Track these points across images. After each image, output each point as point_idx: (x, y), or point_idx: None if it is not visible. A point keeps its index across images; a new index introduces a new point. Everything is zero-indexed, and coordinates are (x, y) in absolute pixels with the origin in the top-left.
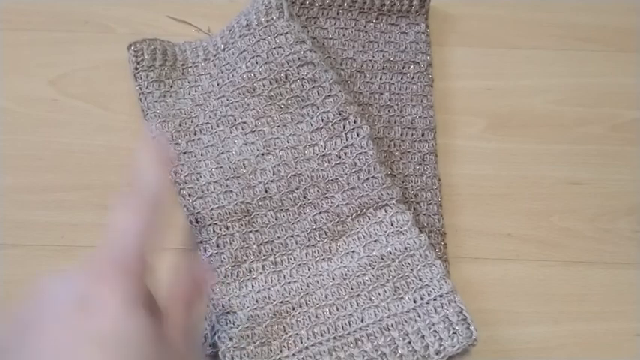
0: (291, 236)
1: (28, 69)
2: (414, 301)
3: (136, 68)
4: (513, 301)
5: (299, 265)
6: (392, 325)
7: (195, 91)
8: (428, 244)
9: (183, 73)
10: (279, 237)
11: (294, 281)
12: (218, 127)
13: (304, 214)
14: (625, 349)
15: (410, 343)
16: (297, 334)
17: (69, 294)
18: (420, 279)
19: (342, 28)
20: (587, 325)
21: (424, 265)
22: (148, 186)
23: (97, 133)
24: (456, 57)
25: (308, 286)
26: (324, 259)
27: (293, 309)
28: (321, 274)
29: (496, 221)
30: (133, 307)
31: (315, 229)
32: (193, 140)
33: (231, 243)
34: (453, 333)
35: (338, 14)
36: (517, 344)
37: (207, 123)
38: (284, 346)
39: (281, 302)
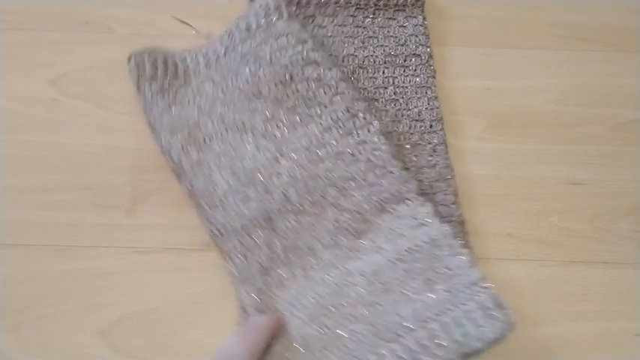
0: (316, 238)
1: (28, 69)
2: (447, 291)
3: (138, 80)
4: (513, 301)
5: (327, 266)
6: (430, 318)
7: (200, 99)
8: (452, 234)
9: (185, 82)
10: (303, 240)
11: (326, 283)
12: (227, 133)
13: (326, 214)
14: (625, 349)
15: (450, 333)
16: (336, 335)
17: None
18: (450, 269)
19: (340, 25)
20: (587, 325)
21: (451, 255)
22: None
23: (97, 133)
24: (456, 57)
25: (340, 286)
26: (351, 258)
27: (329, 311)
28: (351, 274)
29: (496, 221)
30: None
31: (338, 228)
32: (204, 150)
33: (257, 251)
34: (492, 319)
35: (335, 11)
36: (517, 344)
37: (217, 130)
38: (324, 348)
39: (314, 306)
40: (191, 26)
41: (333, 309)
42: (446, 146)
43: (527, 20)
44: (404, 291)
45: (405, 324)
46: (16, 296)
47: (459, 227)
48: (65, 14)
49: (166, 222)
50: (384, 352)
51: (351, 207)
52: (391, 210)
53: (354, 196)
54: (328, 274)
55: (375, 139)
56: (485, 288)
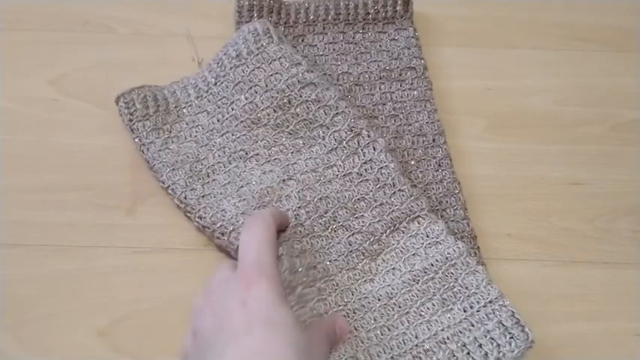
0: (330, 261)
1: (28, 69)
2: (464, 311)
3: (131, 120)
4: (513, 301)
5: (342, 290)
6: (448, 338)
7: (197, 132)
8: (467, 251)
9: (179, 116)
10: (319, 262)
11: (341, 309)
12: (230, 164)
13: (337, 237)
14: (625, 349)
15: (469, 354)
16: (352, 357)
17: (233, 299)
18: (466, 287)
19: (331, 43)
20: (587, 325)
21: (467, 273)
22: (264, 212)
23: (97, 133)
24: (456, 57)
25: (355, 312)
26: (366, 280)
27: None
28: (366, 297)
29: (496, 221)
30: (281, 299)
31: (351, 251)
32: (208, 182)
33: (280, 266)
34: (510, 338)
35: (324, 29)
36: None
37: (219, 162)
38: None
39: None
40: (194, 50)
41: (348, 333)
42: (450, 160)
43: (527, 20)
44: (420, 312)
45: (422, 346)
46: (16, 296)
47: (472, 243)
48: (65, 14)
49: (166, 222)
50: None
51: (363, 228)
52: (403, 229)
53: (364, 216)
54: (343, 299)
55: (382, 158)
56: (504, 306)
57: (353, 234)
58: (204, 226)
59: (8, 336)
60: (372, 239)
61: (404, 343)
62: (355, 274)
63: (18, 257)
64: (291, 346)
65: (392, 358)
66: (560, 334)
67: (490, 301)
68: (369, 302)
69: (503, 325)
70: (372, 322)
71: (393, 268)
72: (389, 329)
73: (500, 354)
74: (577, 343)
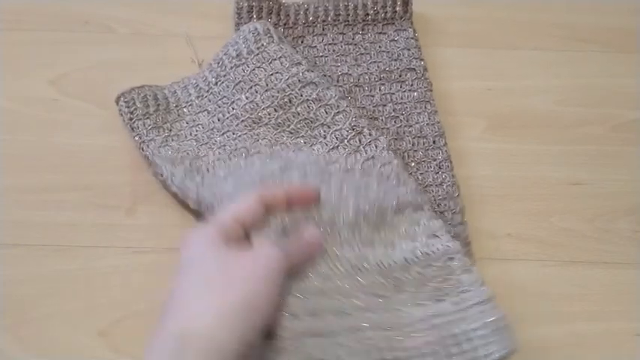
0: (336, 215)
1: (28, 69)
2: (456, 304)
3: (131, 118)
4: (513, 301)
5: (344, 242)
6: (439, 325)
7: (197, 131)
8: (463, 251)
9: (179, 115)
10: (326, 215)
11: (339, 260)
12: (231, 160)
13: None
14: (625, 349)
15: (458, 344)
16: (343, 312)
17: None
18: (461, 283)
19: (330, 44)
20: (587, 325)
21: (463, 270)
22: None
23: (97, 133)
24: (457, 58)
25: (354, 268)
26: (367, 246)
27: (342, 287)
28: (367, 258)
29: (496, 221)
30: (208, 248)
31: (357, 214)
32: (208, 176)
33: (277, 218)
34: (498, 338)
35: (324, 30)
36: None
37: (219, 159)
38: (336, 321)
39: (329, 277)
40: (193, 51)
41: (347, 286)
42: (450, 162)
43: (527, 21)
44: (415, 296)
45: (416, 326)
46: (16, 296)
47: (466, 248)
48: (65, 14)
49: (166, 222)
50: (396, 345)
51: (369, 202)
52: (408, 215)
53: (369, 197)
54: (344, 249)
55: (385, 155)
56: (494, 308)
57: (359, 204)
58: (199, 202)
59: (8, 336)
60: (377, 210)
61: (398, 319)
62: (359, 233)
63: (18, 257)
64: (197, 277)
65: (388, 329)
66: (560, 334)
67: (482, 301)
68: (369, 263)
69: (492, 325)
70: (369, 285)
71: (393, 244)
72: (383, 300)
73: (488, 351)
74: (577, 343)
